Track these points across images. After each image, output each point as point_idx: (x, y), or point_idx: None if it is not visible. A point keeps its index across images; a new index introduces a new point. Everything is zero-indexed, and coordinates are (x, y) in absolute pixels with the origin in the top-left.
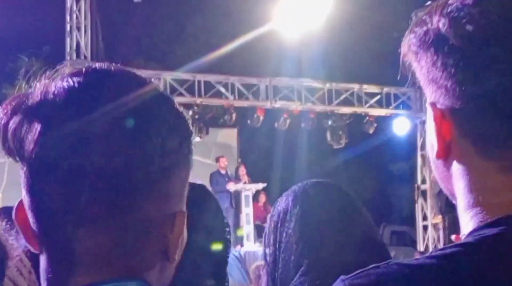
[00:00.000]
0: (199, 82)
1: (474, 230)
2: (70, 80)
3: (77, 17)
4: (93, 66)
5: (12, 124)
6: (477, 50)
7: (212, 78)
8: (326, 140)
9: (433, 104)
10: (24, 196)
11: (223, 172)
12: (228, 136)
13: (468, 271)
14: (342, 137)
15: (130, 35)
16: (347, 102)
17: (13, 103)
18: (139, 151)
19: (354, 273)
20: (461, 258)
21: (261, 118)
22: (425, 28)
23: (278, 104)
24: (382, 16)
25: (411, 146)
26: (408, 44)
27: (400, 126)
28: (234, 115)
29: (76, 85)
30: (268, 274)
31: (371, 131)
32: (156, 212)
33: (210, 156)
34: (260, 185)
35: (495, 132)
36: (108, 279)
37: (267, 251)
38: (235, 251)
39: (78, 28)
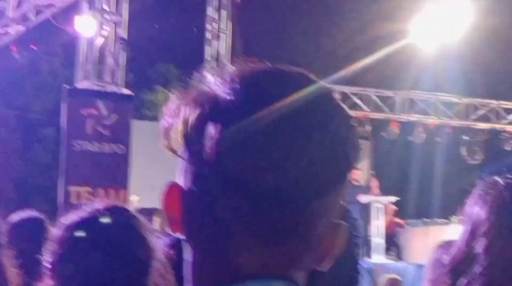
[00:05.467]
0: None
1: None
2: (244, 81)
3: (218, 26)
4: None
5: (194, 118)
6: None
7: (347, 89)
8: (461, 155)
9: None
10: (185, 185)
11: (354, 183)
12: (362, 148)
13: None
14: (478, 152)
15: (269, 47)
16: (484, 118)
17: (193, 98)
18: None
19: None
20: None
21: (396, 131)
22: None
23: (414, 117)
24: None
25: None
26: None
27: None
28: (369, 127)
29: (253, 87)
30: None
31: (508, 148)
32: (324, 226)
33: None
34: (392, 198)
35: None
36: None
37: None
38: (364, 263)
39: (218, 37)
